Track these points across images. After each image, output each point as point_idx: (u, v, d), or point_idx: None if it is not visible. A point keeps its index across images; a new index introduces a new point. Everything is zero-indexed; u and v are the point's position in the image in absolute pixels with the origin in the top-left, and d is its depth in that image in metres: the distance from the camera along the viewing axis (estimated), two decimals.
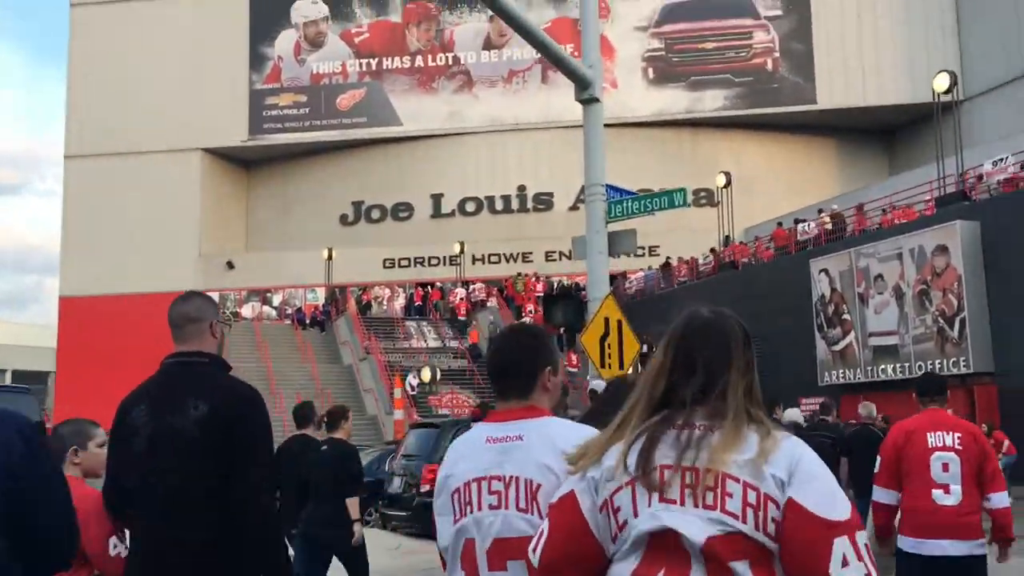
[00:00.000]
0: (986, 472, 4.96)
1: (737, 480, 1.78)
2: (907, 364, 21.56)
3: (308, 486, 6.91)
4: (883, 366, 22.30)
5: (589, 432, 2.20)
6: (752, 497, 1.77)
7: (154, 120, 41.82)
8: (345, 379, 33.06)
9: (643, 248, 39.03)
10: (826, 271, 24.29)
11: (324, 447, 6.98)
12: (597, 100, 10.15)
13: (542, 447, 2.22)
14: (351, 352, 33.76)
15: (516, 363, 2.37)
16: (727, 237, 30.94)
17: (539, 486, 2.18)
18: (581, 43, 10.62)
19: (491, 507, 2.23)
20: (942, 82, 22.63)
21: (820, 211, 28.52)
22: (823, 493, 1.79)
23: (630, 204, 10.18)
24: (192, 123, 41.95)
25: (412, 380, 27.93)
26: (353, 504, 6.78)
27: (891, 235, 22.66)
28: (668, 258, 33.60)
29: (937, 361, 20.67)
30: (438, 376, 26.74)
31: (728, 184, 30.91)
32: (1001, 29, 35.85)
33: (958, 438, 4.96)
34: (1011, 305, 19.48)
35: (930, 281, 21.19)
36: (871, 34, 39.53)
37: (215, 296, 41.70)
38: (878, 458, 5.26)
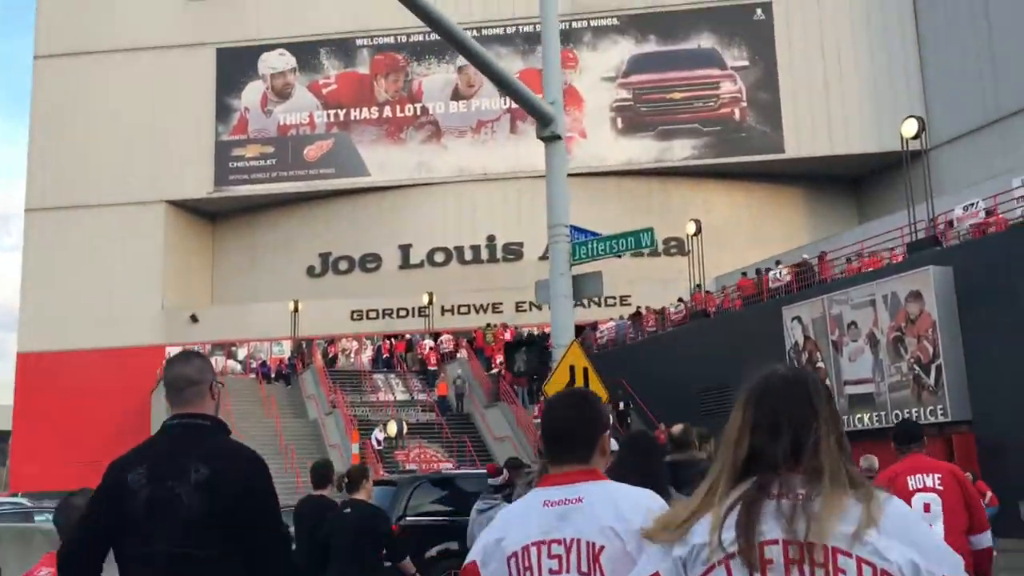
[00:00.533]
0: (969, 512, 4.95)
1: (850, 555, 1.69)
2: (883, 413, 21.12)
3: (327, 550, 6.62)
4: (859, 415, 21.84)
5: (652, 495, 2.24)
6: (868, 573, 1.68)
7: (117, 172, 41.20)
8: (310, 434, 32.13)
9: (613, 298, 38.80)
10: (799, 319, 23.94)
11: (347, 509, 6.68)
12: (559, 137, 9.71)
13: (604, 510, 2.21)
14: (317, 406, 32.89)
15: (574, 430, 2.37)
16: (697, 286, 30.61)
17: (602, 548, 2.17)
18: (543, 80, 10.22)
19: (551, 571, 2.21)
20: (910, 128, 22.59)
21: (778, 262, 28.29)
22: (950, 564, 1.73)
23: (595, 245, 9.69)
24: (156, 175, 41.37)
25: (378, 434, 27.12)
26: (407, 567, 6.77)
27: (864, 281, 22.37)
28: (639, 307, 33.20)
29: (914, 409, 20.25)
30: (405, 430, 25.95)
31: (698, 232, 30.68)
32: (964, 80, 36.24)
33: (938, 479, 4.98)
34: (986, 351, 19.15)
35: (904, 328, 20.85)
36: (837, 84, 39.88)
37: (177, 350, 40.99)
38: None
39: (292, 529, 7.53)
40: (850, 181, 41.58)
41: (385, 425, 26.71)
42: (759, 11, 41.04)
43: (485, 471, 8.81)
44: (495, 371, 31.69)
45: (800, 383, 1.89)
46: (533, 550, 2.24)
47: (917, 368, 20.46)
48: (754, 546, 1.74)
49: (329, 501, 7.24)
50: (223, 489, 2.74)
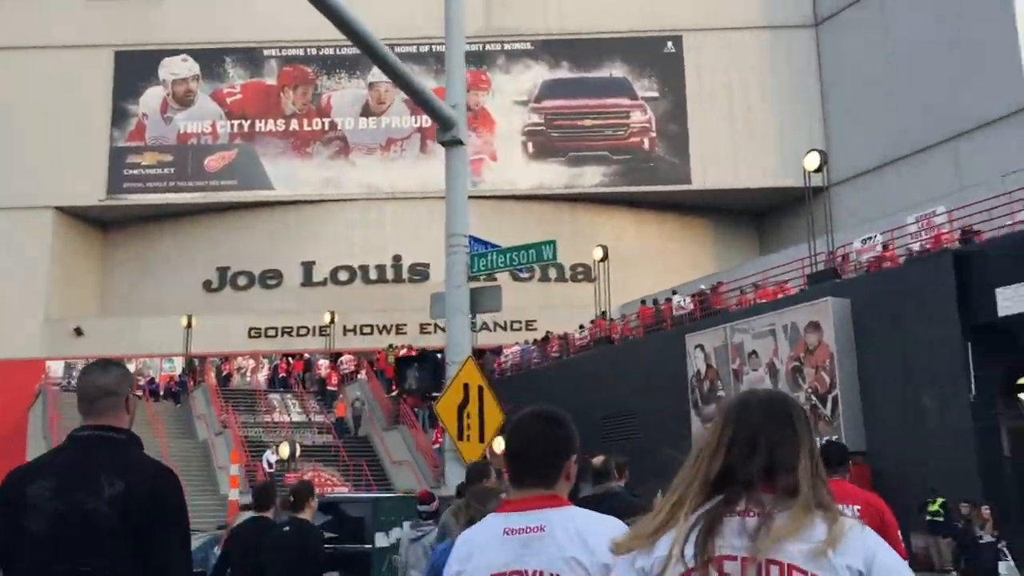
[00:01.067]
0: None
1: (805, 573, 1.72)
2: None
3: (262, 569, 6.29)
4: None
5: (618, 524, 2.16)
6: None
7: (2, 175, 39.01)
8: (199, 456, 30.73)
9: (519, 323, 38.49)
10: (701, 347, 23.95)
11: (286, 527, 6.31)
12: (460, 143, 9.25)
13: (568, 539, 2.14)
14: (207, 426, 31.49)
15: (542, 451, 2.27)
16: (603, 313, 30.51)
17: None
18: (445, 84, 9.74)
19: None
20: (812, 161, 22.95)
21: (675, 292, 28.40)
22: None
23: (495, 257, 9.22)
24: (44, 180, 39.31)
25: (270, 456, 25.99)
26: None
27: (767, 311, 22.51)
28: (548, 332, 32.92)
29: None
30: (298, 452, 24.87)
31: (605, 258, 30.64)
32: (864, 121, 37.34)
33: (857, 510, 4.82)
34: (880, 382, 19.39)
35: (803, 358, 21.01)
36: (743, 119, 40.65)
37: (60, 365, 38.82)
38: None
39: (221, 551, 7.28)
40: (754, 214, 42.35)
41: (277, 447, 25.60)
42: (670, 44, 41.63)
43: (396, 495, 8.53)
44: (395, 393, 30.92)
45: (781, 403, 1.91)
46: None
47: (815, 398, 20.61)
48: (712, 561, 1.75)
49: (268, 522, 6.94)
50: (137, 504, 2.62)
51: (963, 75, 33.00)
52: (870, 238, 22.57)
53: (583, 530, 2.14)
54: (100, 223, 42.05)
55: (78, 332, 38.63)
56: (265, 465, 26.27)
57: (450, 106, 9.28)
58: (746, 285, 25.68)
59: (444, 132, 9.20)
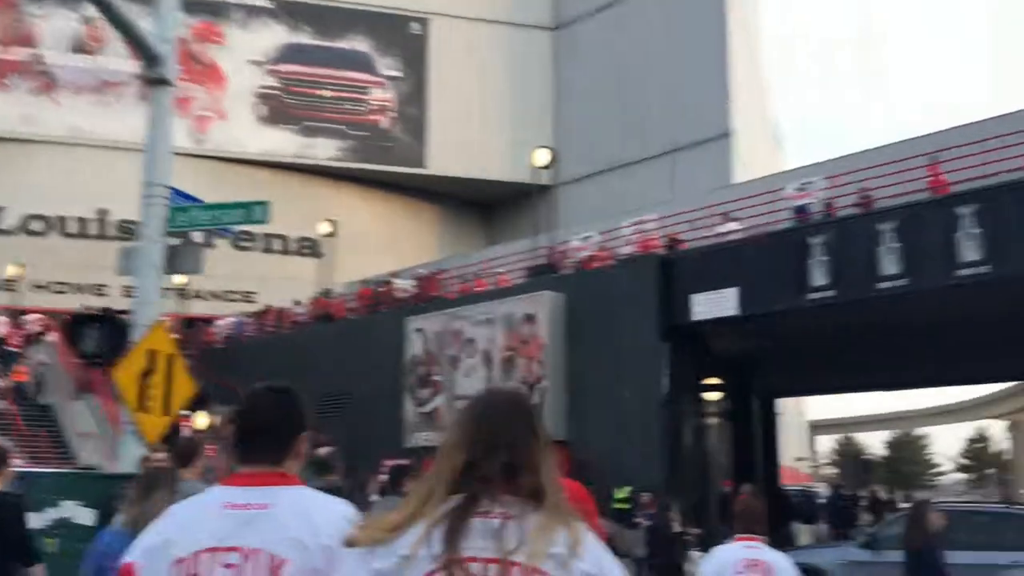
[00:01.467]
0: None
1: None
2: None
3: None
4: None
5: (347, 507, 2.11)
6: None
7: None
8: None
9: (236, 294, 36.62)
10: (422, 331, 23.83)
11: None
12: (168, 83, 8.25)
13: (295, 519, 2.02)
14: None
15: (272, 425, 2.20)
16: (328, 290, 29.66)
17: (284, 561, 1.98)
18: (155, 16, 8.66)
19: None
20: (542, 157, 23.54)
21: (395, 275, 28.23)
22: None
23: (198, 213, 8.33)
24: None
25: None
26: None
27: (487, 299, 22.78)
28: (268, 305, 31.45)
29: None
30: None
31: (333, 234, 29.81)
32: (593, 126, 39.10)
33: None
34: (589, 376, 20.20)
35: (517, 348, 21.46)
36: (480, 110, 41.18)
37: None
38: None
39: None
40: (482, 205, 43.09)
41: None
42: (416, 25, 41.33)
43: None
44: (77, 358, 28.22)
45: (521, 404, 1.96)
46: (205, 557, 2.00)
47: (524, 387, 21.11)
48: (458, 561, 1.74)
49: None
50: None
51: (682, 95, 35.47)
52: (588, 237, 23.50)
53: (312, 511, 2.04)
54: None
55: None
56: None
57: (161, 41, 8.26)
58: (468, 273, 25.90)
59: (150, 68, 8.16)
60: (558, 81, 41.70)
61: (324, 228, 30.28)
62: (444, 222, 42.23)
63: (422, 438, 23.19)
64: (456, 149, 40.75)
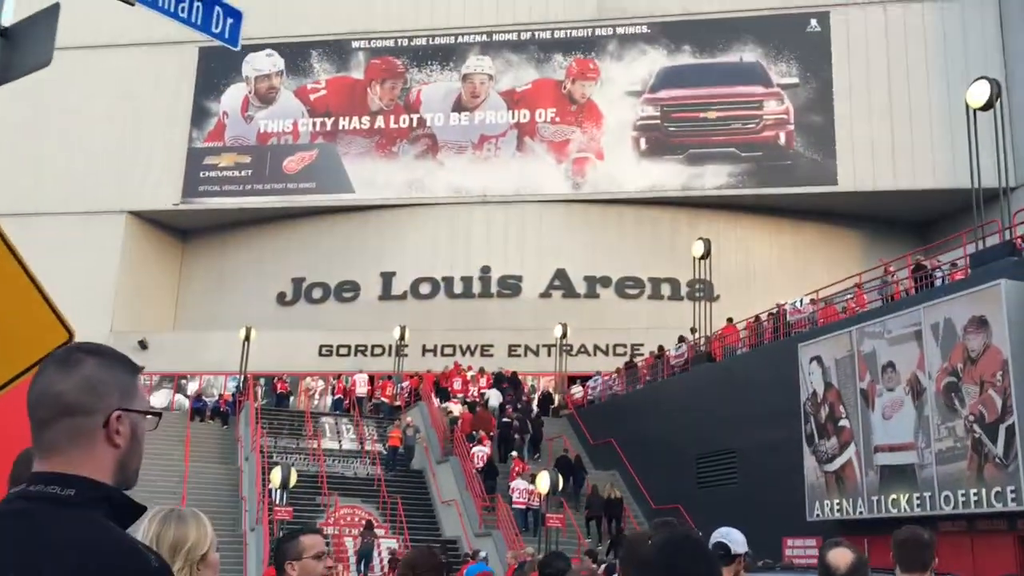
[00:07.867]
0: None
1: None
2: (928, 494, 14.52)
3: None
4: (894, 496, 15.22)
5: None
6: None
7: (73, 177, 36.90)
8: (228, 483, 26.49)
9: (624, 346, 32.62)
10: (819, 359, 17.49)
11: None
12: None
13: None
14: (242, 451, 27.31)
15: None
16: (692, 330, 24.33)
17: None
18: None
19: None
20: (982, 92, 16.22)
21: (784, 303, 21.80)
22: None
23: None
24: (118, 183, 36.93)
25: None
26: None
27: (906, 306, 15.93)
28: (653, 352, 26.88)
29: (972, 491, 13.64)
30: (292, 481, 19.70)
31: (707, 256, 24.52)
32: None
33: None
34: None
35: (961, 370, 14.32)
36: (904, 109, 33.43)
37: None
38: None
39: None
40: (916, 224, 34.72)
41: (270, 475, 20.61)
42: (813, 22, 35.12)
43: None
44: (452, 416, 25.82)
45: (705, 553, 1.86)
46: None
47: (978, 429, 13.86)
48: None
49: None
50: None
51: None
52: None
53: None
54: (175, 230, 39.35)
55: (142, 346, 35.63)
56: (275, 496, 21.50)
57: None
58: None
59: None
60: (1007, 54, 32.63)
61: (696, 249, 25.06)
62: (866, 247, 34.48)
63: (830, 508, 16.68)
64: (875, 158, 33.38)
